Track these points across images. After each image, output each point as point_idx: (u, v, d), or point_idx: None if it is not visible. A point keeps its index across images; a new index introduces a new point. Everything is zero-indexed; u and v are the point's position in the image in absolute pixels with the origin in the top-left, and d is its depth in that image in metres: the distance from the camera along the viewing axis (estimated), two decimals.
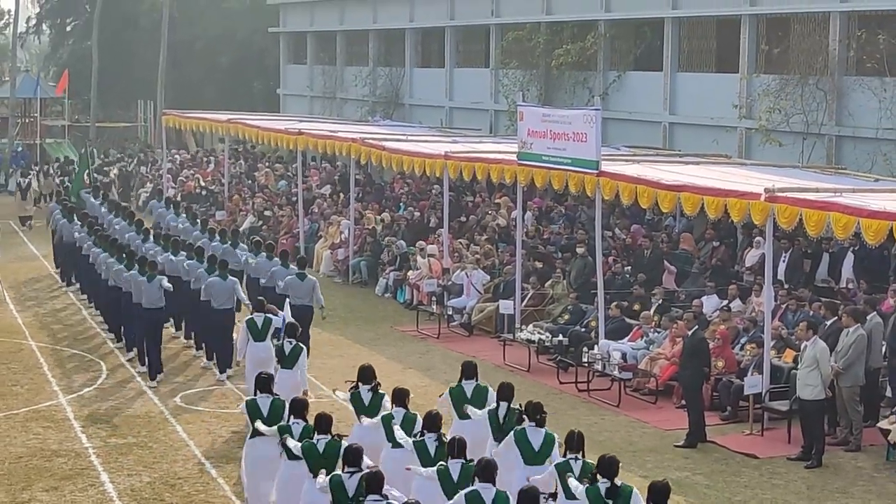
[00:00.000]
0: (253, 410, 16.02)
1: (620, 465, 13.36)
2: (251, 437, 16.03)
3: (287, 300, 22.84)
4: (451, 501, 12.88)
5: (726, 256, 28.53)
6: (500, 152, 30.08)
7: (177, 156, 56.01)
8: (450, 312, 29.08)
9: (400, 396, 15.78)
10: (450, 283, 30.00)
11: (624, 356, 23.59)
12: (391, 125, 43.83)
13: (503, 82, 42.25)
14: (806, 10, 31.90)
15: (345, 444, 14.12)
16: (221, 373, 24.23)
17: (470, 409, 15.73)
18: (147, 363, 24.15)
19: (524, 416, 14.98)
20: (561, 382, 24.13)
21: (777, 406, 20.96)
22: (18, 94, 63.37)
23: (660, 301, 25.56)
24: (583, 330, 25.64)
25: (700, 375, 20.94)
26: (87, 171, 45.38)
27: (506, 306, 27.15)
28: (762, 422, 21.00)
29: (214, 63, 66.09)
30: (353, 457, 13.49)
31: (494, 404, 15.93)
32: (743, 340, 23.08)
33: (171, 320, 27.30)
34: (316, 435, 14.48)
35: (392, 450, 15.20)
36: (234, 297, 24.28)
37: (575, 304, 26.87)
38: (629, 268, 28.28)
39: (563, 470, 13.69)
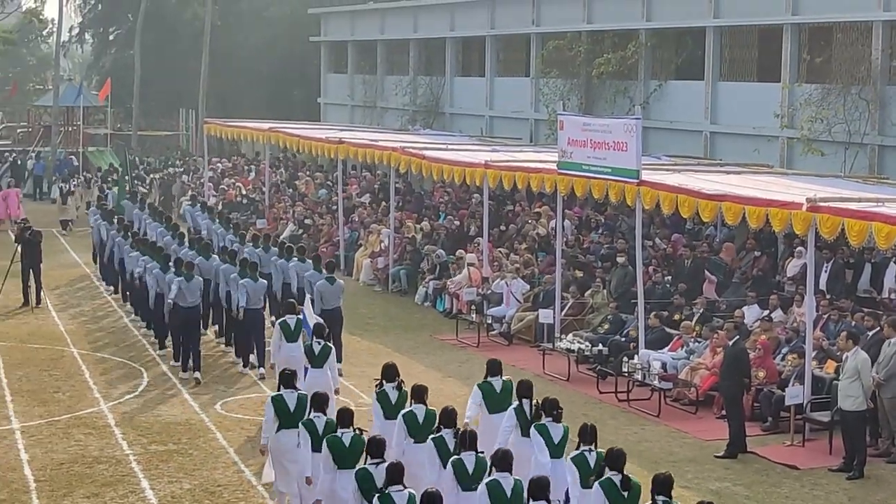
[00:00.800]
0: (280, 405, 16.48)
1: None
2: (277, 431, 16.46)
3: (308, 298, 23.56)
4: (478, 491, 13.40)
5: (767, 266, 28.40)
6: (540, 161, 30.05)
7: (218, 164, 56.21)
8: (489, 321, 29.06)
9: (419, 393, 16.22)
10: (489, 292, 29.98)
11: (664, 366, 23.49)
12: (431, 134, 43.88)
13: (543, 91, 42.21)
14: (848, 19, 31.75)
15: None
16: (258, 368, 25.09)
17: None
18: (185, 359, 25.09)
19: (542, 412, 15.65)
20: (601, 392, 24.08)
21: (818, 417, 20.84)
22: (61, 103, 63.78)
23: (701, 311, 25.46)
24: (623, 339, 25.56)
25: (741, 386, 20.87)
26: (127, 178, 46.09)
27: (545, 315, 27.10)
28: (803, 432, 20.89)
29: (256, 72, 66.33)
30: (377, 448, 14.00)
31: (517, 401, 16.43)
32: (784, 351, 22.96)
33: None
34: (339, 429, 14.90)
35: (414, 445, 15.67)
36: (265, 297, 25.18)
37: (615, 314, 26.80)
38: (669, 277, 28.19)
39: (579, 463, 14.20)
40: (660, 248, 30.58)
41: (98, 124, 69.34)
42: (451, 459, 14.33)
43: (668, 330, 25.14)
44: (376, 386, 17.24)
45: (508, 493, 13.20)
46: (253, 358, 25.54)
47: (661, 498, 12.66)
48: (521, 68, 45.75)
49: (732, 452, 20.31)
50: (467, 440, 14.36)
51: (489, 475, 13.55)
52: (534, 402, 16.08)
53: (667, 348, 24.47)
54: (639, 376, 23.37)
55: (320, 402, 15.81)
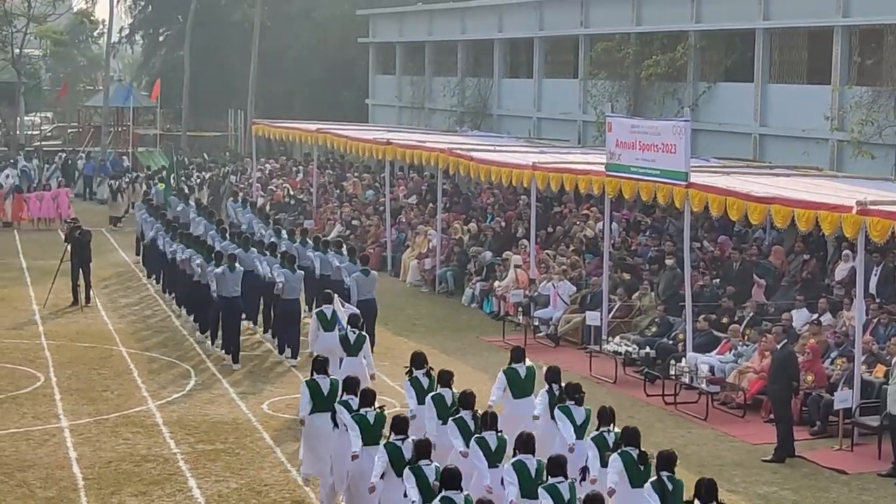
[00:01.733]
0: (314, 389, 17.33)
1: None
2: (310, 414, 17.26)
3: (346, 289, 25.10)
4: (505, 469, 14.44)
5: (816, 270, 28.21)
6: (588, 163, 30.00)
7: (266, 165, 56.42)
8: (536, 323, 29.02)
9: (445, 378, 17.27)
10: (536, 293, 29.94)
11: (712, 369, 23.40)
12: (479, 135, 43.88)
13: (592, 93, 42.13)
14: None
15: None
16: (291, 356, 26.16)
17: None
18: (229, 349, 26.20)
19: (564, 396, 16.74)
20: (648, 395, 24.00)
21: (867, 421, 20.70)
22: (111, 104, 64.18)
23: (750, 314, 25.33)
24: (670, 342, 25.47)
25: (789, 389, 20.75)
26: (173, 175, 46.90)
27: (593, 318, 27.05)
28: (852, 437, 20.76)
29: (304, 73, 66.52)
30: (401, 425, 15.10)
31: (546, 386, 17.46)
32: (833, 355, 22.82)
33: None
34: (363, 408, 15.98)
35: (441, 426, 16.51)
36: (301, 288, 26.38)
37: (662, 317, 26.70)
38: (718, 280, 28.06)
39: (599, 443, 15.20)
40: (708, 251, 30.44)
41: (148, 125, 69.75)
42: (474, 437, 15.32)
43: (716, 333, 25.03)
44: (407, 373, 18.28)
45: (533, 473, 14.15)
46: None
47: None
48: (569, 70, 45.67)
49: (780, 456, 20.20)
50: (488, 420, 15.34)
51: (514, 456, 14.40)
52: (559, 387, 17.13)
53: (715, 351, 24.36)
54: (686, 379, 23.29)
55: (352, 385, 16.75)
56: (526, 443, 14.47)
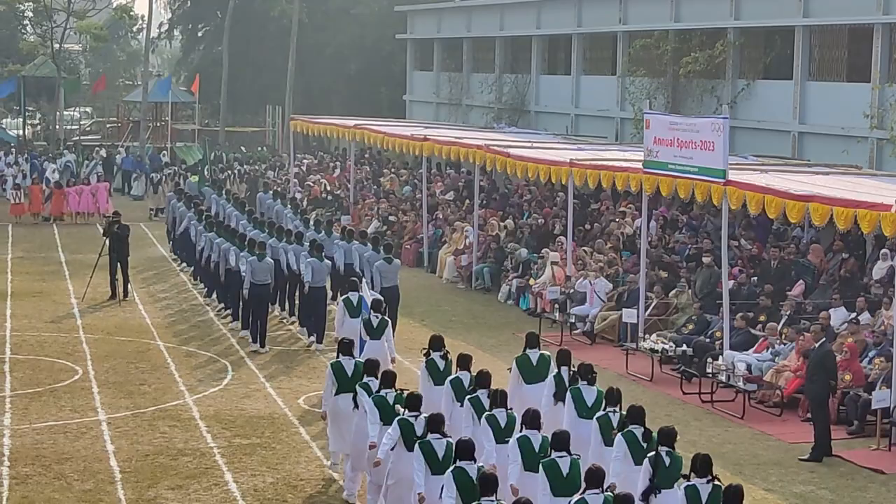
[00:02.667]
0: (338, 370, 18.10)
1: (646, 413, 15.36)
2: (335, 395, 18.04)
3: (370, 277, 26.02)
4: (510, 444, 15.02)
5: (855, 268, 28.04)
6: (625, 160, 29.94)
7: (303, 160, 56.57)
8: (572, 320, 28.99)
9: (464, 361, 17.96)
10: (572, 290, 29.89)
11: (749, 367, 23.32)
12: (516, 132, 43.85)
13: (630, 90, 42.01)
14: None
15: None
16: (317, 341, 27.08)
17: None
18: (253, 332, 27.16)
19: (577, 377, 17.32)
20: (684, 393, 23.94)
21: None
22: (150, 99, 64.43)
23: (788, 313, 25.22)
24: (707, 340, 25.38)
25: (826, 389, 20.65)
26: (207, 167, 48.01)
27: (629, 315, 26.99)
28: (890, 437, 20.64)
29: (342, 69, 66.62)
30: (416, 402, 15.78)
31: (556, 369, 18.12)
32: (871, 354, 22.69)
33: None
34: (383, 389, 16.64)
35: (459, 408, 17.18)
36: (327, 276, 27.47)
37: (700, 315, 26.62)
38: (755, 278, 27.94)
39: (602, 423, 15.87)
40: (745, 249, 30.33)
41: (186, 120, 70.03)
42: (484, 415, 15.94)
43: (753, 331, 24.93)
44: (424, 355, 18.91)
45: (537, 448, 14.70)
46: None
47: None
48: (607, 67, 45.56)
49: (817, 456, 20.11)
50: (498, 398, 16.05)
51: (520, 432, 15.06)
52: (572, 369, 17.74)
53: (752, 350, 24.28)
54: (723, 378, 23.21)
55: (373, 367, 17.42)
56: (532, 419, 15.09)
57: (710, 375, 23.49)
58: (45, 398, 22.85)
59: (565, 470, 13.96)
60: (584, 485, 13.34)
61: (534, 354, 18.87)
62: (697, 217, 33.71)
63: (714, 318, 26.15)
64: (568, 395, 17.12)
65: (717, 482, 13.47)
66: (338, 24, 67.45)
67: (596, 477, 13.20)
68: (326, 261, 27.84)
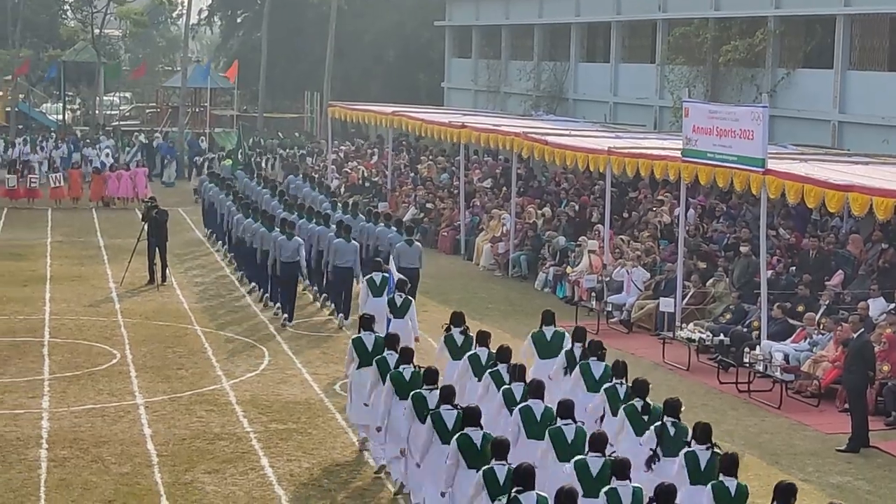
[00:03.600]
0: (359, 345, 18.74)
1: (651, 385, 16.12)
2: (357, 368, 18.67)
3: (392, 259, 26.19)
4: (512, 417, 15.65)
5: (894, 259, 27.87)
6: (664, 148, 29.82)
7: (341, 147, 56.64)
8: (609, 309, 28.93)
9: (483, 338, 18.52)
10: (609, 279, 29.83)
11: (786, 357, 23.23)
12: (554, 120, 43.77)
13: (669, 78, 41.85)
14: None
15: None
16: (346, 319, 27.60)
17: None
18: (285, 308, 28.12)
19: (587, 352, 17.96)
20: (721, 382, 23.86)
21: None
22: (189, 84, 64.65)
23: (826, 303, 25.09)
24: (745, 330, 25.28)
25: (864, 379, 20.55)
26: (240, 151, 48.32)
27: (666, 304, 26.92)
28: None
29: (380, 56, 66.66)
30: (432, 376, 16.29)
31: (570, 345, 18.73)
32: None
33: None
34: (401, 365, 17.21)
35: (477, 383, 17.68)
36: (356, 256, 28.10)
37: (737, 304, 26.51)
38: (794, 268, 27.81)
39: (610, 394, 16.53)
40: (783, 239, 30.19)
41: (225, 106, 70.21)
42: (502, 388, 16.52)
43: (791, 321, 24.81)
44: (445, 331, 19.49)
45: (539, 417, 15.35)
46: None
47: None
48: (646, 55, 45.41)
49: (855, 447, 20.01)
50: (517, 372, 16.70)
51: (524, 401, 15.74)
52: (583, 345, 18.37)
53: (790, 340, 24.17)
54: (760, 367, 23.12)
55: (393, 342, 18.12)
56: (536, 389, 15.80)
57: (748, 365, 23.40)
58: (84, 382, 22.98)
59: (570, 437, 14.62)
60: (587, 448, 13.95)
61: (549, 331, 19.49)
62: (736, 206, 33.58)
63: (752, 308, 26.05)
64: (577, 369, 17.80)
65: (716, 449, 13.93)
66: (376, 10, 67.47)
67: (599, 441, 13.86)
68: (354, 241, 28.52)
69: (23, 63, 65.57)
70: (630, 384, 16.21)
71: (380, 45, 66.71)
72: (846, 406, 21.22)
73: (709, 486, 13.26)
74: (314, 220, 30.45)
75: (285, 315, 28.01)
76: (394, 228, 29.87)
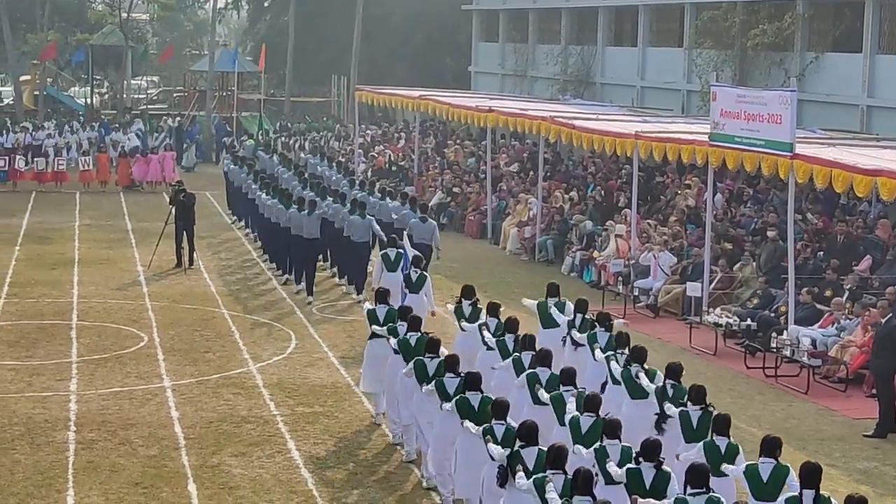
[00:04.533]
0: (372, 316, 19.60)
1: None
2: (370, 339, 19.44)
3: (405, 234, 26.85)
4: (518, 380, 16.79)
5: None
6: (691, 133, 29.73)
7: (368, 131, 56.65)
8: (636, 293, 28.89)
9: (493, 309, 19.58)
10: (635, 263, 29.78)
11: (814, 343, 23.15)
12: (582, 104, 43.66)
13: (697, 62, 41.69)
14: None
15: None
16: (358, 294, 28.81)
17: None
18: (305, 283, 29.08)
19: (595, 323, 18.80)
20: (748, 367, 23.81)
21: None
22: (216, 68, 64.72)
23: (850, 287, 24.99)
24: (772, 315, 25.21)
25: (892, 364, 20.45)
26: (261, 132, 50.02)
27: (693, 289, 26.85)
28: None
29: (407, 39, 66.54)
30: (433, 346, 17.25)
31: (572, 315, 19.64)
32: None
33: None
34: (409, 332, 18.11)
35: (486, 352, 18.68)
36: (371, 232, 28.85)
37: (764, 289, 26.43)
38: (821, 253, 27.70)
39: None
40: (811, 223, 30.08)
41: (252, 90, 70.25)
42: (511, 356, 17.48)
43: (818, 306, 24.73)
44: (455, 303, 20.56)
45: (544, 381, 16.27)
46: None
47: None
48: (674, 39, 45.25)
49: (882, 432, 19.94)
50: (527, 341, 17.63)
51: (531, 368, 16.64)
52: (591, 318, 19.16)
53: (817, 325, 24.09)
54: (788, 352, 23.07)
55: (404, 312, 18.92)
56: (543, 358, 16.71)
57: (775, 350, 23.35)
58: (111, 364, 23.09)
59: (568, 402, 15.46)
60: (582, 409, 14.92)
61: (552, 301, 20.52)
62: (763, 191, 33.46)
63: (779, 293, 25.97)
64: (585, 338, 18.76)
65: (709, 409, 14.91)
66: None
67: (592, 403, 14.80)
68: (369, 217, 29.17)
69: (50, 47, 65.70)
70: (629, 352, 17.15)
71: (407, 28, 66.60)
72: (873, 391, 21.16)
73: (700, 443, 14.11)
74: (332, 199, 31.26)
75: (303, 289, 29.13)
76: (407, 206, 30.76)
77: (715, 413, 14.54)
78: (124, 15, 67.58)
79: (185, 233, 32.53)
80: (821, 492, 12.48)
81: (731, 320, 25.15)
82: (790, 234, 25.37)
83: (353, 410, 20.59)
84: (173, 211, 32.74)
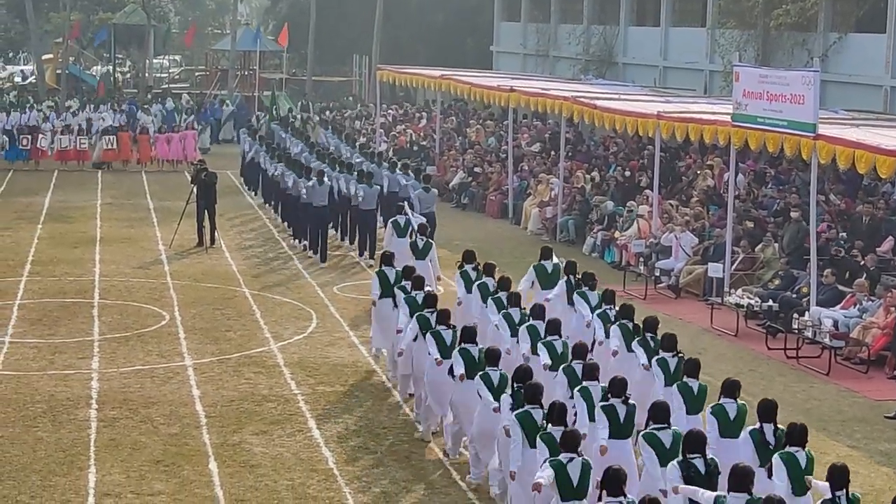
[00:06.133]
0: (382, 278, 20.95)
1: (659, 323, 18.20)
2: (379, 298, 20.83)
3: (406, 204, 28.30)
4: (520, 332, 18.44)
5: None
6: (714, 113, 29.63)
7: (389, 111, 56.61)
8: (657, 274, 28.83)
9: (489, 269, 21.28)
10: (657, 243, 29.71)
11: (836, 324, 23.07)
12: (603, 84, 43.54)
13: (719, 42, 41.55)
14: None
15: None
16: (369, 257, 30.57)
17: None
18: (317, 250, 31.11)
19: (581, 282, 20.58)
20: (769, 348, 23.76)
21: None
22: (239, 47, 64.72)
23: (870, 267, 24.89)
24: (794, 296, 25.13)
25: None
26: (275, 107, 51.61)
27: (715, 269, 26.80)
28: None
29: (429, 19, 66.44)
30: (431, 301, 18.94)
31: (565, 277, 21.22)
32: None
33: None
34: (413, 290, 19.73)
35: (484, 308, 20.27)
36: (377, 201, 30.98)
37: (786, 270, 26.34)
38: (844, 234, 27.60)
39: (602, 317, 19.15)
40: (833, 204, 29.96)
41: (273, 69, 70.26)
42: (502, 312, 19.20)
43: (840, 287, 24.65)
44: (458, 266, 22.06)
45: (542, 332, 18.01)
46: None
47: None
48: (696, 18, 45.08)
49: None
50: (514, 299, 19.40)
51: (546, 336, 17.89)
52: (577, 277, 20.89)
53: (839, 306, 24.00)
54: (809, 334, 23.00)
55: (408, 273, 20.51)
56: (538, 312, 18.55)
57: (796, 331, 23.28)
58: (133, 343, 23.16)
59: (559, 350, 17.36)
60: (571, 357, 16.79)
61: (548, 264, 22.02)
62: (786, 171, 33.35)
63: (801, 274, 25.87)
64: (576, 297, 20.27)
65: (680, 355, 16.60)
66: None
67: (579, 351, 16.56)
68: (376, 186, 31.26)
69: (74, 26, 65.82)
70: (617, 309, 18.96)
71: (428, 8, 66.50)
72: (895, 373, 21.09)
73: (674, 385, 15.77)
74: (340, 169, 33.27)
75: (317, 256, 31.05)
76: (411, 176, 32.71)
77: (686, 358, 16.28)
78: None
79: (206, 212, 32.59)
80: (778, 426, 13.98)
81: (752, 301, 25.09)
82: (812, 215, 25.28)
83: (373, 390, 20.62)
84: (195, 190, 32.79)
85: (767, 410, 14.03)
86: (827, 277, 24.59)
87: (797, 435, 13.24)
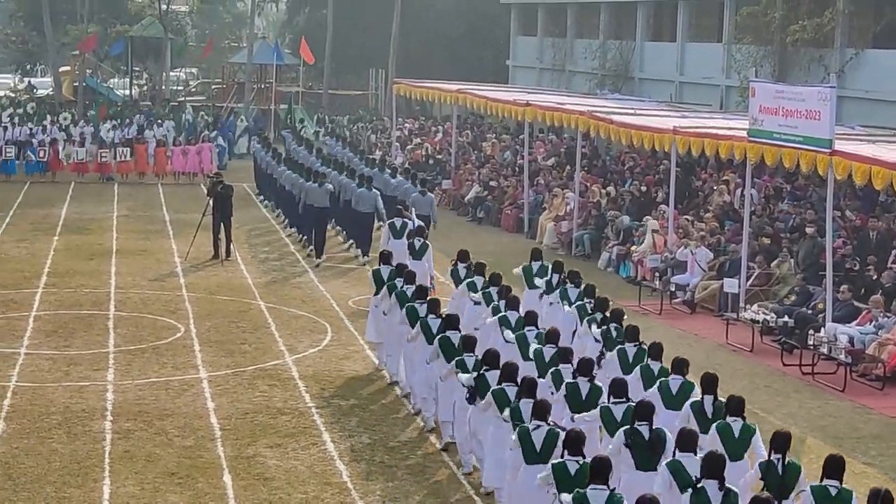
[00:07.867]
0: (377, 276, 22.18)
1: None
2: (375, 295, 22.02)
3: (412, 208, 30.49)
4: (489, 321, 19.93)
5: None
6: (729, 128, 29.63)
7: (406, 124, 56.66)
8: (672, 289, 28.80)
9: (480, 268, 22.57)
10: (672, 259, 29.69)
11: (851, 340, 23.03)
12: (619, 98, 43.56)
13: (736, 58, 41.55)
14: None
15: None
16: (364, 256, 32.18)
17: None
18: (315, 246, 32.68)
19: (566, 280, 22.21)
20: (784, 364, 23.71)
21: None
22: (255, 61, 64.83)
23: (886, 284, 24.80)
24: (809, 312, 25.09)
25: None
26: (289, 116, 53.51)
27: (730, 285, 26.76)
28: None
29: (445, 33, 66.53)
30: (422, 293, 20.19)
31: (550, 275, 22.75)
32: None
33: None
34: (404, 285, 20.88)
35: (473, 306, 21.43)
36: (376, 204, 32.34)
37: (802, 286, 26.30)
38: (850, 248, 27.51)
39: (581, 310, 20.58)
40: (849, 220, 29.91)
41: (290, 82, 70.35)
42: (492, 305, 20.54)
43: (856, 304, 24.59)
44: (452, 264, 23.53)
45: (513, 323, 19.24)
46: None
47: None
48: (713, 34, 45.09)
49: None
50: (504, 292, 20.58)
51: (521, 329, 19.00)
52: (563, 275, 22.37)
53: (855, 322, 23.95)
54: (825, 350, 22.95)
55: (401, 270, 21.73)
56: (531, 317, 19.21)
57: (812, 347, 23.24)
58: (148, 355, 23.19)
59: (532, 340, 18.38)
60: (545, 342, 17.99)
61: (535, 265, 23.50)
62: (802, 187, 33.30)
63: (816, 290, 25.83)
64: (556, 292, 21.93)
65: (642, 346, 17.69)
66: None
67: (552, 336, 17.94)
68: (375, 190, 32.76)
69: (91, 38, 65.99)
70: (594, 303, 20.44)
71: (445, 22, 66.59)
72: None
73: (637, 368, 17.08)
74: (343, 174, 34.97)
75: (314, 251, 32.59)
76: (409, 181, 34.69)
77: (648, 345, 17.44)
78: (164, 7, 67.79)
79: (222, 224, 32.63)
80: (718, 398, 15.24)
81: (768, 317, 25.05)
82: (829, 231, 25.25)
83: (388, 403, 20.62)
84: (211, 202, 32.84)
85: (709, 383, 15.47)
86: (843, 293, 24.54)
87: (734, 406, 14.69)
